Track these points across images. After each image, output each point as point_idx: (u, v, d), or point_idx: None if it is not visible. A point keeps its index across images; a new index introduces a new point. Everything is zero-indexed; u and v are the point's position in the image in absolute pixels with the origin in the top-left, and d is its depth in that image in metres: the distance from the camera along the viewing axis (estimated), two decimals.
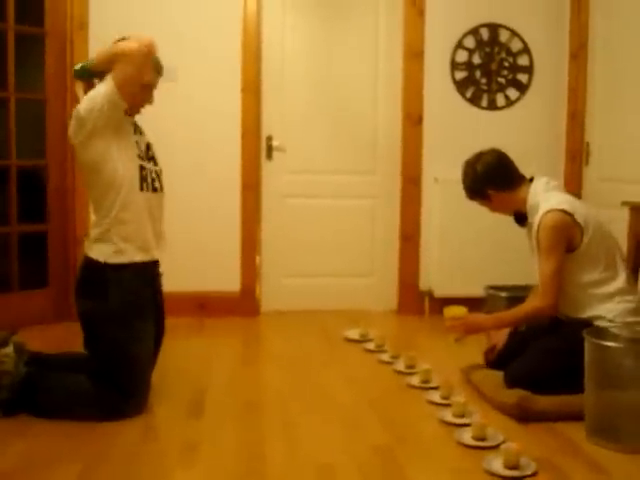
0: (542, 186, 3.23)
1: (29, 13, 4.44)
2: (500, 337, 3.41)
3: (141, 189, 3.00)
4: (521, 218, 3.33)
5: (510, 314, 3.34)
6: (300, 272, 4.99)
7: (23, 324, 4.27)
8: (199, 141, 4.74)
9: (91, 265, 2.96)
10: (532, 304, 3.21)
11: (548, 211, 3.09)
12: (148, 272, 3.09)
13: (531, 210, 3.21)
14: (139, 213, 2.99)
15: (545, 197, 3.17)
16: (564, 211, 3.08)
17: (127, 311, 2.93)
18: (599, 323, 2.99)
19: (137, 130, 3.14)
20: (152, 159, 3.15)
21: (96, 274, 2.95)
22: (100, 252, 2.94)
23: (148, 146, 3.16)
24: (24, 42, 4.58)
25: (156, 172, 3.14)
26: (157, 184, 3.12)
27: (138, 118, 3.19)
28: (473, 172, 3.30)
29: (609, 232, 3.20)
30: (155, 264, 3.15)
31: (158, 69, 3.11)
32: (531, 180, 3.29)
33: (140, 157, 3.04)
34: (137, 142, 3.07)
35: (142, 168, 3.02)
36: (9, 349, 2.94)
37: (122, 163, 2.94)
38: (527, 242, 3.36)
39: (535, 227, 3.15)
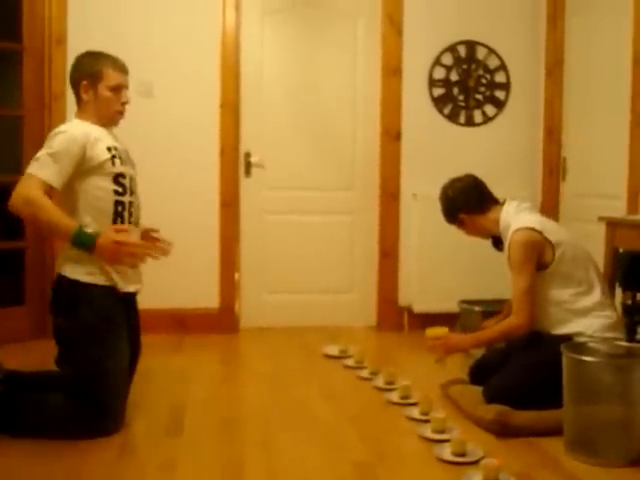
0: (513, 208, 3.28)
1: (6, 29, 4.42)
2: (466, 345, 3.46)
3: (114, 223, 2.96)
4: (497, 242, 3.36)
5: (487, 333, 3.36)
6: (279, 288, 4.98)
7: None
8: (177, 157, 4.73)
9: (62, 282, 2.93)
10: (507, 322, 3.22)
11: (517, 230, 3.15)
12: (120, 294, 3.02)
13: (504, 232, 3.26)
14: None
15: (515, 218, 3.22)
16: (533, 229, 3.13)
17: (99, 327, 2.88)
18: (578, 339, 3.01)
19: (114, 153, 3.01)
20: (133, 192, 3.09)
21: (67, 291, 2.92)
22: (72, 271, 2.90)
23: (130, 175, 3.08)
24: (1, 58, 4.57)
25: (137, 205, 3.11)
26: (134, 219, 3.08)
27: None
28: (446, 198, 3.41)
29: (582, 248, 3.24)
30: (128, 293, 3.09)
31: (120, 67, 3.11)
32: (503, 203, 3.33)
33: (117, 192, 2.98)
34: (116, 174, 2.99)
35: (117, 203, 2.98)
36: None
37: (94, 199, 2.94)
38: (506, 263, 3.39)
39: (506, 246, 3.19)
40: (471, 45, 5.00)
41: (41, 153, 2.88)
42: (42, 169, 2.83)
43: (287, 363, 4.08)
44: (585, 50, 4.64)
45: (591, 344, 2.90)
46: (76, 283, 2.89)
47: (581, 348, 2.82)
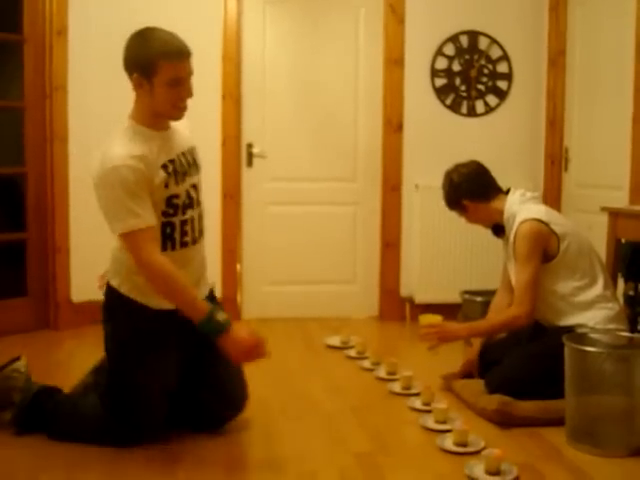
0: (518, 197, 3.26)
1: (7, 20, 4.40)
2: (475, 352, 3.43)
3: (164, 250, 2.61)
4: (498, 230, 3.35)
5: (486, 323, 3.35)
6: (281, 279, 4.98)
7: (1, 333, 4.25)
8: None
9: (111, 291, 2.71)
10: (508, 313, 3.21)
11: (524, 221, 3.12)
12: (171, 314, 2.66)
13: (508, 222, 3.24)
14: None
15: (521, 208, 3.20)
16: (540, 220, 3.11)
17: (136, 343, 2.64)
18: (580, 330, 3.01)
19: (169, 170, 2.62)
20: (190, 205, 2.70)
21: (113, 301, 2.72)
22: (120, 283, 2.67)
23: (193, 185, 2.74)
24: (1, 49, 4.56)
25: (191, 219, 2.71)
26: (188, 238, 2.69)
27: None
28: (449, 183, 3.35)
29: (586, 240, 3.23)
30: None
31: (177, 54, 2.67)
32: (507, 192, 3.32)
33: (166, 213, 2.62)
34: (170, 196, 2.62)
35: (165, 225, 2.63)
36: (20, 364, 2.84)
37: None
38: (503, 253, 3.38)
39: (511, 237, 3.17)
40: (473, 35, 4.97)
41: (107, 204, 2.54)
42: (122, 220, 2.48)
43: (289, 354, 4.08)
44: (588, 40, 4.62)
45: (593, 335, 2.90)
46: (122, 296, 2.66)
47: (583, 339, 2.82)
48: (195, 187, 2.75)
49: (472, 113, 5.00)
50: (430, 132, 4.96)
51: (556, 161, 4.92)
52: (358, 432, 2.89)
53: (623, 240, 3.63)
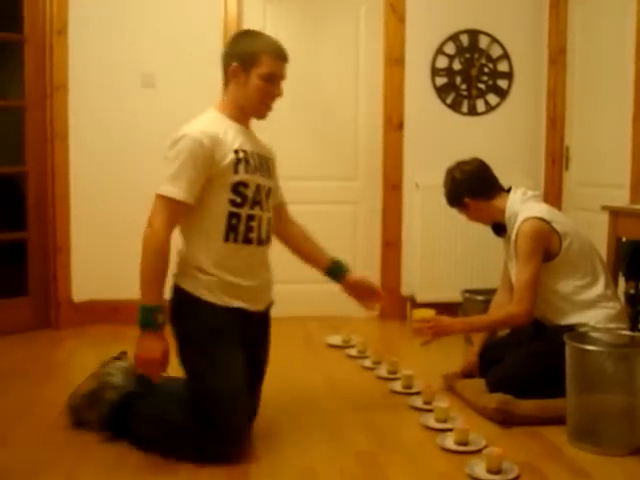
0: (519, 196, 3.25)
1: (7, 19, 4.40)
2: (475, 351, 3.42)
3: (226, 240, 2.63)
4: (499, 229, 3.34)
5: (483, 319, 3.35)
6: (282, 278, 4.91)
7: (2, 332, 4.26)
8: None
9: (176, 292, 2.69)
10: (506, 310, 3.19)
11: (526, 219, 3.11)
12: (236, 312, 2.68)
13: (509, 220, 3.22)
14: (226, 265, 2.64)
15: (523, 207, 3.19)
16: (542, 219, 3.10)
17: (204, 340, 2.59)
18: (582, 329, 3.00)
19: (240, 156, 2.65)
20: (259, 203, 2.70)
21: (178, 301, 2.68)
22: (187, 282, 2.64)
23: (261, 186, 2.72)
24: (2, 48, 4.56)
25: (259, 218, 2.70)
26: (253, 235, 2.67)
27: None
28: (451, 180, 3.33)
29: (588, 239, 3.22)
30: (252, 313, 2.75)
31: (280, 54, 2.73)
32: (509, 190, 3.31)
33: (234, 202, 2.63)
34: (236, 182, 2.62)
35: (232, 215, 2.63)
36: (123, 363, 2.82)
37: (207, 208, 2.62)
38: (504, 252, 3.37)
39: (513, 236, 3.17)
40: (474, 34, 4.97)
41: (167, 166, 2.59)
42: (172, 186, 2.54)
43: (290, 353, 4.08)
44: (588, 39, 4.62)
45: (594, 333, 2.90)
46: (189, 295, 2.62)
47: (584, 337, 2.82)
48: (266, 190, 2.74)
49: (473, 112, 5.00)
50: (431, 131, 4.96)
51: (557, 160, 4.92)
52: (359, 431, 2.89)
53: (624, 239, 3.63)
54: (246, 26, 4.79)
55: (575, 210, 4.69)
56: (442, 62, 4.96)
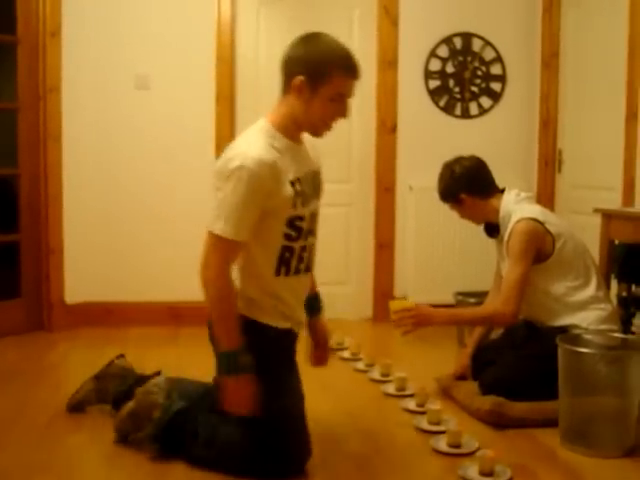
0: (513, 197, 3.25)
1: (0, 21, 4.40)
2: (468, 354, 3.42)
3: (277, 274, 2.49)
4: (491, 229, 3.34)
5: (466, 312, 3.35)
6: None
7: None
8: (172, 151, 4.72)
9: None
10: (493, 307, 3.18)
11: (520, 220, 3.11)
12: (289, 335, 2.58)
13: (503, 220, 3.22)
14: (276, 295, 2.50)
15: (517, 207, 3.19)
16: (535, 220, 3.11)
17: (263, 359, 2.42)
18: (574, 331, 3.01)
19: (297, 189, 2.44)
20: (311, 231, 2.56)
21: None
22: (243, 306, 2.48)
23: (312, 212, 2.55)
24: None
25: (310, 247, 2.57)
26: (303, 265, 2.54)
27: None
28: (450, 174, 3.30)
29: (581, 241, 3.23)
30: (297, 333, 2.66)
31: (354, 72, 2.47)
32: (502, 191, 3.31)
33: (289, 236, 2.46)
34: (292, 217, 2.45)
35: (285, 249, 2.48)
36: (160, 379, 2.74)
37: (261, 241, 2.44)
38: (497, 253, 3.37)
39: (506, 237, 3.17)
40: (467, 37, 4.99)
41: (221, 200, 2.33)
42: (227, 225, 2.31)
43: None
44: (581, 42, 4.64)
45: (587, 336, 2.90)
46: (241, 316, 2.44)
47: (577, 340, 2.82)
48: (317, 213, 2.60)
49: (466, 115, 5.01)
50: (424, 134, 4.96)
51: (550, 162, 4.93)
52: (352, 433, 2.89)
53: (616, 241, 3.64)
54: (240, 29, 4.80)
55: (568, 213, 4.70)
56: (435, 65, 4.97)
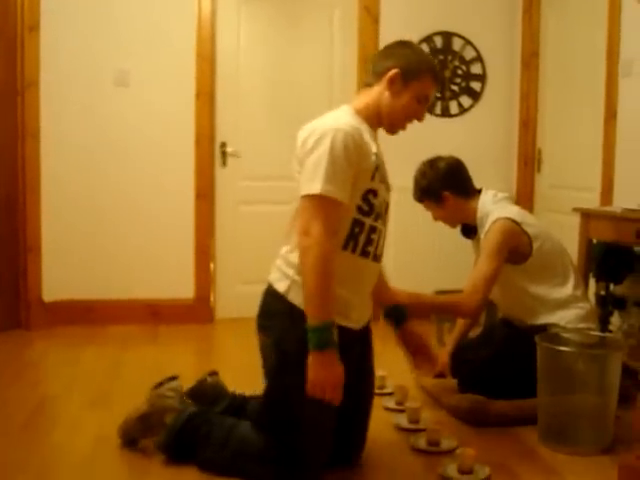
0: (491, 198, 3.24)
1: None
2: (447, 352, 3.43)
3: (344, 248, 2.37)
4: (468, 230, 3.34)
5: (430, 297, 3.37)
6: (255, 279, 4.90)
7: None
8: (152, 147, 4.70)
9: (272, 293, 2.44)
10: (457, 298, 3.16)
11: (496, 220, 3.11)
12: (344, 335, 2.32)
13: (481, 221, 3.21)
14: (337, 274, 2.27)
15: (494, 208, 3.19)
16: (512, 220, 3.11)
17: (303, 353, 2.22)
18: (552, 329, 3.03)
19: (378, 162, 2.44)
20: (381, 216, 2.48)
21: (274, 304, 2.42)
22: (285, 288, 2.39)
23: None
24: None
25: (379, 232, 2.48)
26: (371, 248, 2.45)
27: None
28: (433, 171, 3.24)
29: (558, 241, 3.24)
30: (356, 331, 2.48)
31: (439, 82, 2.59)
32: (480, 192, 3.31)
33: (361, 209, 2.38)
34: (368, 189, 2.39)
35: (355, 223, 2.38)
36: (176, 383, 2.67)
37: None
38: (474, 254, 3.37)
39: (483, 237, 3.16)
40: (447, 36, 5.00)
41: (315, 162, 2.26)
42: (329, 184, 2.23)
43: None
44: (561, 42, 4.66)
45: (565, 334, 2.92)
46: (289, 303, 2.36)
47: (556, 338, 2.84)
48: (386, 205, 2.53)
49: (446, 114, 5.03)
50: (403, 132, 4.93)
51: (529, 162, 4.95)
52: None
53: (595, 240, 3.66)
54: (220, 26, 4.79)
55: (547, 212, 4.72)
56: None
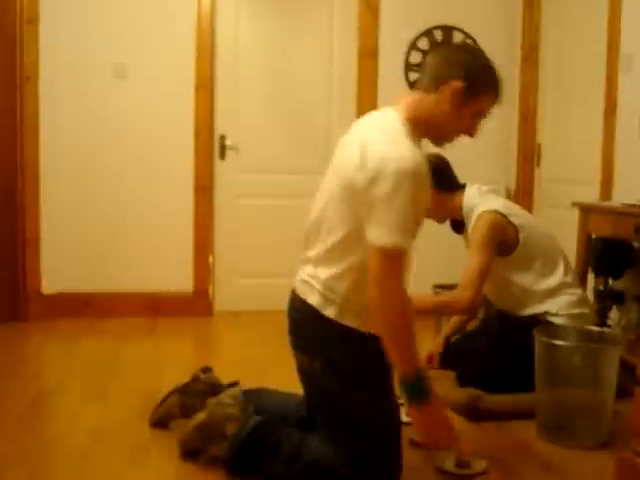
0: (475, 191, 3.25)
1: None
2: (438, 344, 3.43)
3: None
4: (457, 225, 3.34)
5: (427, 298, 3.41)
6: (254, 272, 4.96)
7: None
8: (151, 140, 4.69)
9: (322, 320, 2.29)
10: (450, 295, 3.18)
11: (483, 212, 3.12)
12: None
13: (467, 215, 3.22)
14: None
15: (479, 201, 3.19)
16: (498, 212, 3.11)
17: (360, 369, 2.25)
18: (545, 318, 3.03)
19: None
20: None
21: (327, 330, 2.29)
22: (335, 313, 2.28)
23: None
24: None
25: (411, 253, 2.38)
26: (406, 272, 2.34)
27: None
28: None
29: (545, 230, 3.24)
30: None
31: (499, 100, 2.43)
32: (464, 187, 3.30)
33: None
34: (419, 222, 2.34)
35: None
36: (236, 390, 2.56)
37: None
38: (466, 248, 3.37)
39: (470, 229, 3.17)
40: (447, 30, 4.99)
41: (388, 207, 2.13)
42: (402, 237, 2.17)
43: (261, 347, 4.07)
44: (561, 36, 4.65)
45: (563, 328, 2.92)
46: (342, 326, 2.28)
47: (553, 332, 2.83)
48: None
49: None
50: None
51: (528, 157, 4.95)
52: None
53: (594, 235, 3.66)
54: (219, 18, 4.77)
55: (546, 206, 4.72)
56: (416, 57, 4.96)
